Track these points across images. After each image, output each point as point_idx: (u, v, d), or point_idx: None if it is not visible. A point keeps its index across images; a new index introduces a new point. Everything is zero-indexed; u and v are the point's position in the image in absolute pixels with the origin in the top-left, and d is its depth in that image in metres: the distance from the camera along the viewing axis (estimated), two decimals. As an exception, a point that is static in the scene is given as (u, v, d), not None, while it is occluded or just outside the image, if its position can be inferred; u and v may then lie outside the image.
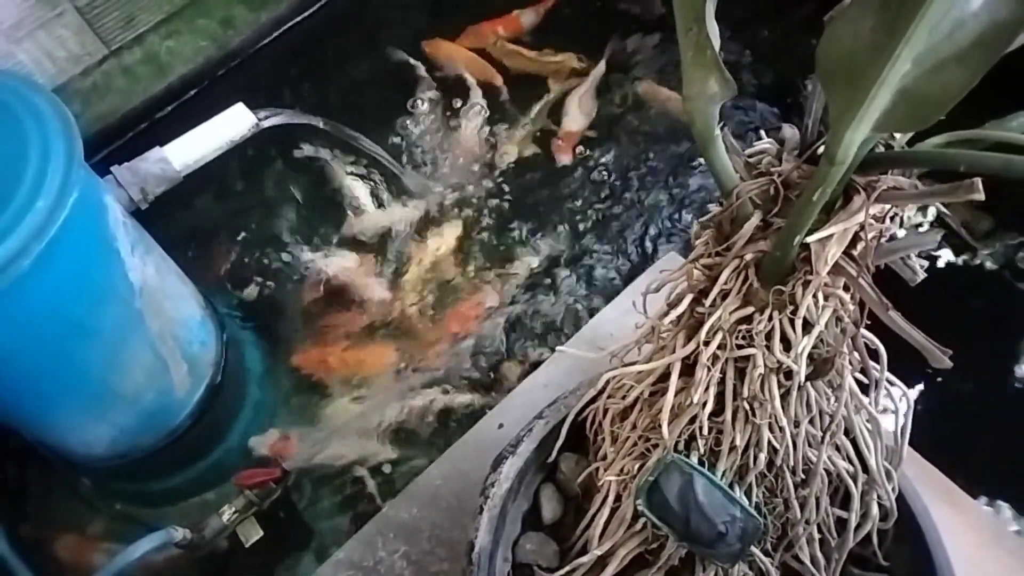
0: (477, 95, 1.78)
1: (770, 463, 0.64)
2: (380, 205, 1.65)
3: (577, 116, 1.73)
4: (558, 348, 0.88)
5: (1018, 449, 1.20)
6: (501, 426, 1.04)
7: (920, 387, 1.27)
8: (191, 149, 1.21)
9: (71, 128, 0.97)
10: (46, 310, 1.01)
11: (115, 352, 1.15)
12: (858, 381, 0.64)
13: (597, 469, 0.73)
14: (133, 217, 1.16)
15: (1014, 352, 1.35)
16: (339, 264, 1.58)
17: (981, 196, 0.49)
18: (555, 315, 1.51)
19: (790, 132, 0.62)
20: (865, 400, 0.66)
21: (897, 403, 0.67)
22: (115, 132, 1.70)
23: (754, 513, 0.63)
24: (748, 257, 0.60)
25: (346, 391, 1.47)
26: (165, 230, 1.30)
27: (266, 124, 1.31)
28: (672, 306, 0.66)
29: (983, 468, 1.05)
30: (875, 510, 0.69)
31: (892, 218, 0.60)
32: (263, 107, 1.34)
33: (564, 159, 1.69)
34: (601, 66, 1.80)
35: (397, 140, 1.74)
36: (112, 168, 1.15)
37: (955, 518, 0.86)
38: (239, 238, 1.63)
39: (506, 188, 1.68)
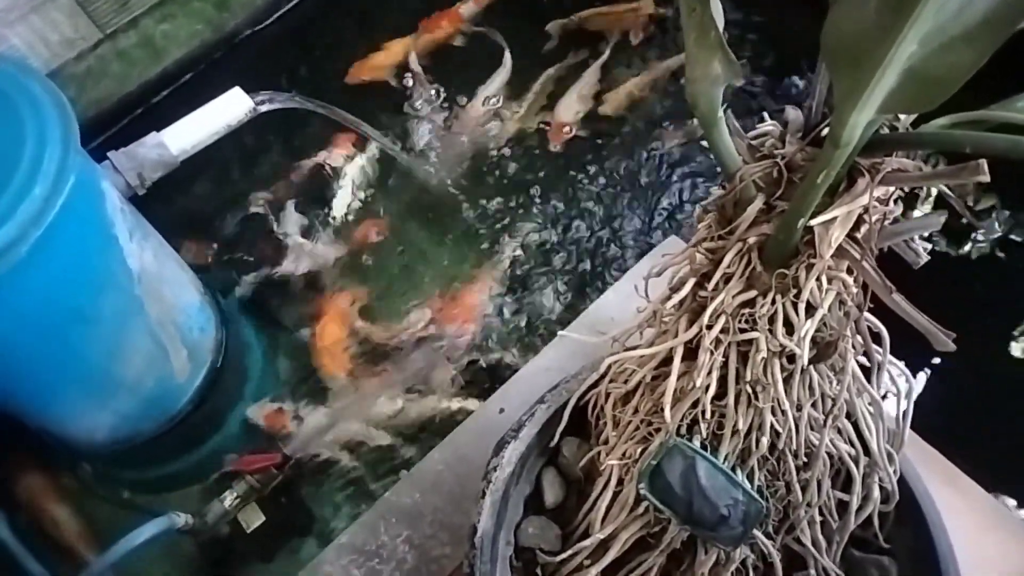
0: (503, 73, 1.78)
1: (772, 446, 0.64)
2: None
3: (572, 105, 1.72)
4: (560, 332, 0.88)
5: (1018, 432, 1.21)
6: (502, 411, 1.04)
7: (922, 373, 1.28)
8: (188, 134, 1.20)
9: (67, 113, 0.96)
10: (44, 297, 1.00)
11: (115, 339, 1.14)
12: (860, 364, 0.64)
13: (599, 453, 0.73)
14: (130, 203, 1.16)
15: (1010, 332, 1.35)
16: (324, 253, 1.58)
17: (987, 177, 0.49)
18: (547, 305, 1.51)
19: (794, 114, 0.61)
20: (867, 383, 0.65)
21: (899, 386, 0.67)
22: (111, 117, 1.70)
23: (756, 496, 0.63)
24: (751, 240, 0.60)
25: (348, 377, 1.47)
26: (163, 216, 1.29)
27: (263, 108, 1.30)
28: (674, 290, 0.66)
29: (983, 452, 1.06)
30: (876, 493, 0.69)
31: (895, 200, 0.59)
32: (260, 91, 1.33)
33: (556, 145, 1.69)
34: (605, 56, 1.79)
35: (395, 123, 1.73)
36: (109, 154, 1.14)
37: (956, 500, 0.86)
38: (236, 222, 1.62)
39: (499, 173, 1.68)
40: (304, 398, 1.45)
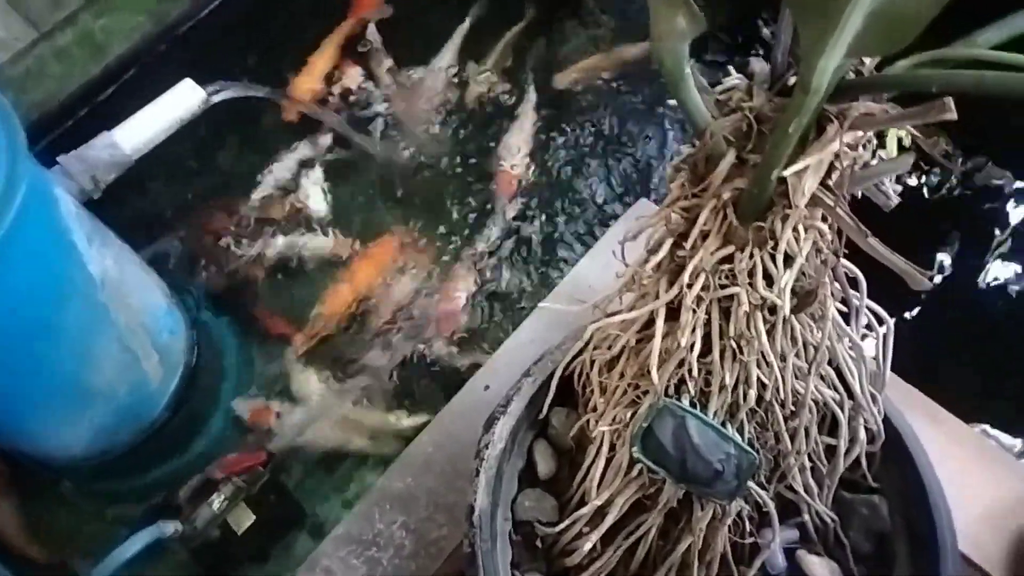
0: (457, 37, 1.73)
1: (760, 399, 0.65)
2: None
3: (517, 145, 1.65)
4: (540, 304, 0.87)
5: (992, 364, 1.24)
6: (487, 388, 1.03)
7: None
8: (140, 131, 1.16)
9: (11, 118, 0.92)
10: (5, 310, 0.97)
11: (83, 349, 1.11)
12: (839, 310, 0.65)
13: (588, 421, 0.73)
14: (86, 208, 1.12)
15: (980, 269, 1.38)
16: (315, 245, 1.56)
17: (954, 115, 0.49)
18: (525, 280, 1.51)
19: (759, 66, 0.61)
20: (847, 328, 0.66)
21: (878, 328, 0.68)
22: (55, 120, 1.63)
23: (748, 448, 0.64)
24: (725, 196, 0.60)
25: (325, 370, 1.45)
26: (121, 218, 1.25)
27: (216, 99, 1.26)
28: (652, 252, 0.66)
29: (962, 387, 1.09)
30: (862, 434, 0.70)
31: (865, 145, 0.60)
32: (209, 82, 1.29)
33: (506, 200, 1.60)
34: (534, 99, 1.72)
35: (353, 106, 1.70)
36: (59, 158, 1.10)
37: (939, 436, 0.88)
38: (197, 219, 1.59)
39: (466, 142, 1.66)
40: (284, 393, 1.43)
